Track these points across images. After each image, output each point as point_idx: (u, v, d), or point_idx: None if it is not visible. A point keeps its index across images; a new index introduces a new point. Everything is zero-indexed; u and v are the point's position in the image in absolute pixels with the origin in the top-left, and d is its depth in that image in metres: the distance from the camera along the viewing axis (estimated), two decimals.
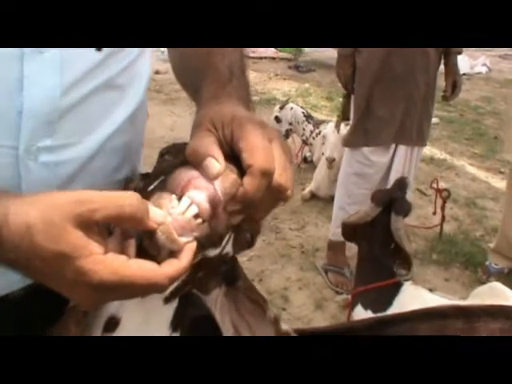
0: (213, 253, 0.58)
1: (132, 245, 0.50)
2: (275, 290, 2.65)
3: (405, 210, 1.84)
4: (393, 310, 1.69)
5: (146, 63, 0.77)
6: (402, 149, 2.61)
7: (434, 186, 3.13)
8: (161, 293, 0.52)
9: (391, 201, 1.79)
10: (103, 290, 0.47)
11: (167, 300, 0.64)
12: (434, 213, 3.20)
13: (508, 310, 0.90)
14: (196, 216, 0.51)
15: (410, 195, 2.82)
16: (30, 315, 0.72)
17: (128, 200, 0.47)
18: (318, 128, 3.89)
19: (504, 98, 6.48)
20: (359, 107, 2.58)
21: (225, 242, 0.59)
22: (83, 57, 0.63)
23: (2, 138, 0.59)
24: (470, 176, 4.33)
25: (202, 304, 0.70)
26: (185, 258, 0.50)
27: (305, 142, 4.07)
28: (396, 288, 1.74)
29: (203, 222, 0.52)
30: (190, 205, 0.51)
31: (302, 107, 4.28)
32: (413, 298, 1.69)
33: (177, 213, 0.51)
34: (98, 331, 0.64)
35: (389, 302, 1.71)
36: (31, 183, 0.63)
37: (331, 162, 3.35)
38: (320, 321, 2.44)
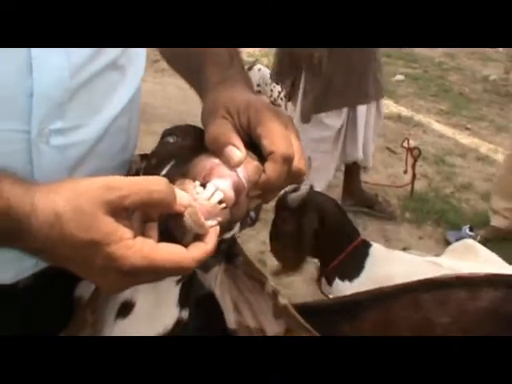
0: (228, 235, 0.60)
1: (154, 228, 0.51)
2: (252, 255, 2.64)
3: None
4: (366, 273, 1.68)
5: None
6: (361, 108, 2.62)
7: (405, 145, 3.16)
8: (186, 274, 0.54)
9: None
10: (133, 274, 0.48)
11: (179, 281, 0.65)
12: (405, 171, 3.23)
13: (509, 279, 0.91)
14: (220, 202, 0.52)
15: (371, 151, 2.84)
16: (39, 302, 0.73)
17: (156, 186, 0.48)
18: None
19: (467, 54, 6.54)
20: (320, 84, 2.54)
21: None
22: None
23: (15, 122, 0.59)
24: (437, 133, 4.38)
25: (203, 283, 0.72)
26: (211, 242, 0.51)
27: (273, 104, 4.02)
28: (365, 249, 1.72)
29: (226, 207, 0.53)
30: (215, 191, 0.52)
31: (269, 68, 4.21)
32: (385, 258, 1.70)
33: (203, 198, 0.52)
34: (112, 316, 0.65)
35: (361, 267, 1.70)
36: (43, 168, 0.62)
37: None
38: (300, 283, 2.46)
